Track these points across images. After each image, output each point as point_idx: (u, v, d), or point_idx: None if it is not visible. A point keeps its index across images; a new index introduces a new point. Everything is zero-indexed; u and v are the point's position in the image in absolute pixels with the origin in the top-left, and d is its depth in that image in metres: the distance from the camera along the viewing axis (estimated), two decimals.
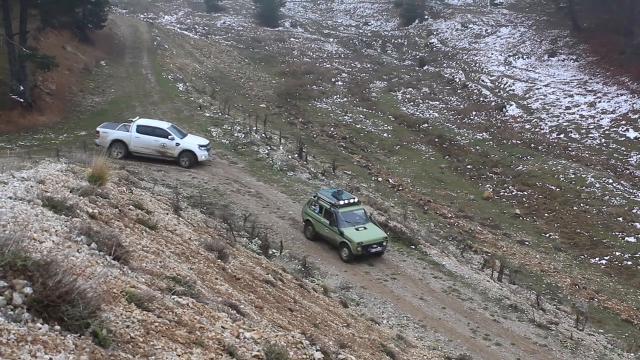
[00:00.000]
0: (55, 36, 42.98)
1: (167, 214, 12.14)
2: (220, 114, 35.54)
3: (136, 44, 52.60)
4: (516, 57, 57.70)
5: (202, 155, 26.08)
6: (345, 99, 50.87)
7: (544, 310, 20.47)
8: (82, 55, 44.04)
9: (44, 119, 32.22)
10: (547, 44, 58.74)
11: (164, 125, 26.75)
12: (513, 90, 51.56)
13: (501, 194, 36.15)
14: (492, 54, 59.35)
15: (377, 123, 46.19)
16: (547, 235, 31.26)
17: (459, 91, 52.83)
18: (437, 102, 51.34)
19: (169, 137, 25.83)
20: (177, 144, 25.84)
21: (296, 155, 31.32)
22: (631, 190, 35.33)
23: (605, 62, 52.14)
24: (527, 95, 50.23)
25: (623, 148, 40.85)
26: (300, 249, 20.51)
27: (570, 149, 41.52)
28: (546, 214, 33.36)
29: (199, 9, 76.00)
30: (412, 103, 51.35)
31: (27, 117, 31.49)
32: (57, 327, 3.46)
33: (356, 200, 21.94)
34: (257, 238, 18.56)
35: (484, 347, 16.56)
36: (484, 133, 45.03)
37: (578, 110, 46.45)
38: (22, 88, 31.59)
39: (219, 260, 9.89)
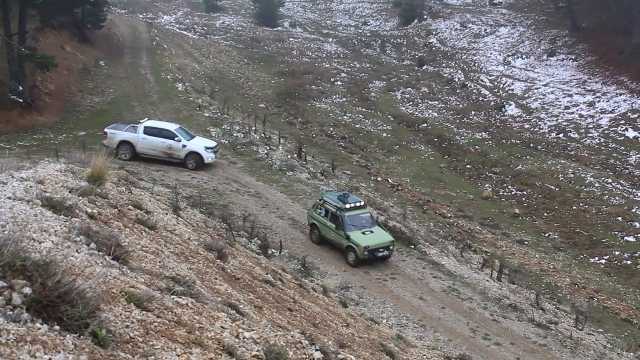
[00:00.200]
0: (54, 36, 42.96)
1: (167, 214, 12.13)
2: (219, 113, 35.52)
3: (135, 44, 52.59)
4: (515, 56, 57.72)
5: (208, 157, 25.90)
6: (344, 99, 50.88)
7: (543, 309, 20.47)
8: (81, 55, 44.03)
9: (43, 119, 32.20)
10: (546, 43, 58.77)
11: (171, 126, 26.57)
12: (512, 90, 51.59)
13: (500, 193, 36.16)
14: (491, 53, 59.37)
15: (376, 123, 46.20)
16: (547, 234, 31.27)
17: (458, 91, 52.85)
18: (436, 102, 51.36)
19: (176, 138, 25.67)
20: (184, 146, 25.66)
21: (295, 155, 31.31)
22: (630, 190, 35.34)
23: (604, 61, 52.17)
24: (526, 95, 50.25)
25: (622, 147, 40.87)
26: (299, 248, 20.51)
27: (569, 148, 41.53)
28: (545, 214, 33.37)
29: (198, 9, 76.01)
30: (411, 103, 51.37)
31: (26, 117, 31.48)
32: (57, 327, 3.46)
33: (362, 203, 21.63)
34: (256, 238, 18.56)
35: (484, 347, 16.57)
36: (483, 133, 45.05)
37: (577, 110, 46.48)
38: (21, 88, 31.57)
39: (218, 260, 9.89)
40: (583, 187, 35.48)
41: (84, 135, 29.60)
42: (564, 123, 45.10)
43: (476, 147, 42.58)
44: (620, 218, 32.05)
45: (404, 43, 67.49)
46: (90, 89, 38.93)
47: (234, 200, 23.30)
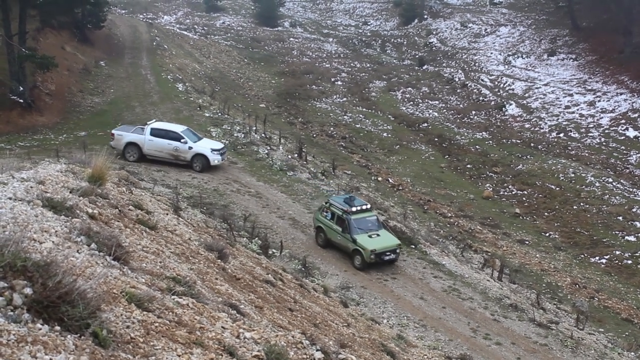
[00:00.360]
0: (55, 37, 42.97)
1: (167, 214, 12.14)
2: (219, 114, 35.53)
3: (135, 44, 52.61)
4: (515, 56, 57.71)
5: (215, 159, 25.67)
6: (344, 99, 50.88)
7: (544, 309, 20.47)
8: (82, 55, 44.04)
9: (43, 120, 32.21)
10: (546, 43, 58.75)
11: (178, 128, 26.41)
12: (512, 89, 51.57)
13: (501, 193, 36.15)
14: (491, 53, 59.36)
15: (377, 123, 46.19)
16: (547, 234, 31.26)
17: (458, 91, 52.84)
18: (437, 102, 51.35)
19: (182, 140, 25.50)
20: (190, 148, 25.49)
21: (296, 155, 31.31)
22: (631, 189, 35.33)
23: (604, 61, 52.16)
24: (526, 95, 50.24)
25: (623, 147, 40.85)
26: (300, 249, 20.50)
27: (570, 148, 41.52)
28: (546, 213, 33.36)
29: (198, 9, 76.02)
30: (411, 102, 51.36)
31: (26, 118, 31.49)
32: (57, 328, 3.46)
33: (369, 206, 21.44)
34: (257, 238, 18.55)
35: (485, 347, 16.56)
36: (483, 132, 45.04)
37: (577, 110, 46.46)
38: (21, 88, 31.58)
39: (219, 261, 9.89)
40: (584, 186, 35.46)
41: (85, 135, 29.60)
42: (564, 123, 45.08)
43: (477, 146, 42.57)
44: (620, 218, 32.04)
45: (405, 43, 67.48)
46: (90, 89, 38.94)
47: (235, 201, 23.30)
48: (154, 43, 52.92)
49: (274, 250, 18.71)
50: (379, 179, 35.36)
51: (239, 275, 9.92)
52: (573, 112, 46.28)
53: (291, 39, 66.75)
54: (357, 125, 45.30)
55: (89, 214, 6.92)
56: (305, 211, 23.64)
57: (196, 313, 5.37)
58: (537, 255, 28.46)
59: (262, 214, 22.59)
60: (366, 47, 66.70)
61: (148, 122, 26.81)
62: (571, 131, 43.83)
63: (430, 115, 48.60)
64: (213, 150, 25.79)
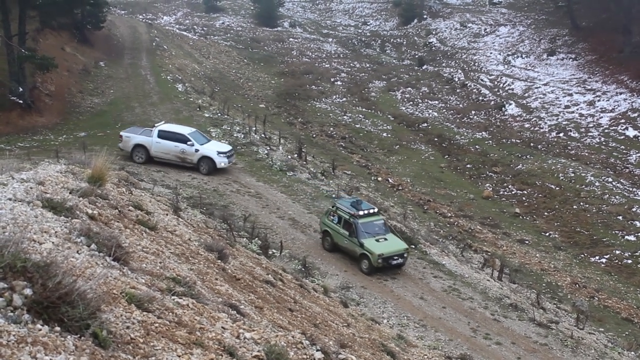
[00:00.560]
0: (54, 37, 42.97)
1: (167, 214, 12.14)
2: (219, 114, 35.53)
3: (135, 44, 52.62)
4: (515, 56, 57.71)
5: (221, 162, 25.49)
6: (344, 99, 50.88)
7: (544, 309, 20.47)
8: (81, 56, 44.04)
9: (43, 120, 32.21)
10: (546, 43, 58.76)
11: (185, 130, 26.28)
12: (512, 89, 51.58)
13: (501, 193, 36.16)
14: (491, 53, 59.36)
15: (377, 123, 46.19)
16: (547, 234, 31.27)
17: (458, 90, 52.84)
18: (437, 102, 51.35)
19: (188, 142, 25.38)
20: (197, 150, 25.39)
21: (295, 155, 31.31)
22: (631, 189, 35.34)
23: (604, 60, 52.16)
24: (526, 94, 50.24)
25: (622, 147, 40.86)
26: (300, 249, 20.50)
27: (569, 147, 41.52)
28: (546, 213, 33.36)
29: (197, 9, 76.02)
30: (411, 102, 51.36)
31: (26, 119, 31.48)
32: (57, 329, 3.46)
33: (376, 210, 21.26)
34: (257, 238, 18.56)
35: (485, 347, 16.57)
36: (483, 132, 45.04)
37: (577, 109, 46.46)
38: (21, 89, 31.58)
39: (219, 261, 9.89)
40: (583, 186, 35.47)
41: (84, 136, 29.60)
42: (564, 122, 45.09)
43: (476, 146, 42.57)
44: (620, 217, 32.04)
45: (404, 43, 67.48)
46: (90, 90, 38.94)
47: (235, 201, 23.31)
48: (154, 43, 52.93)
49: (274, 251, 18.71)
50: (379, 179, 35.36)
51: (239, 276, 9.92)
52: (573, 112, 46.28)
53: (291, 39, 66.75)
54: (357, 126, 45.29)
55: (88, 214, 6.92)
56: (305, 211, 23.65)
57: (196, 313, 5.37)
58: (537, 255, 28.46)
59: (262, 214, 22.59)
60: (366, 47, 66.70)
61: (156, 124, 26.75)
62: (571, 131, 43.84)
63: (430, 115, 48.60)
64: (219, 152, 25.59)
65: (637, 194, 34.85)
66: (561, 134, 43.57)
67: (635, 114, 43.86)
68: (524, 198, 35.27)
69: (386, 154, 40.95)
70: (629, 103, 45.30)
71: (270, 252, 17.90)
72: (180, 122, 30.76)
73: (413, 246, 22.47)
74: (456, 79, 54.73)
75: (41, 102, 33.75)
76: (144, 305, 4.62)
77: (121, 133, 26.27)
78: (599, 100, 46.77)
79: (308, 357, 5.64)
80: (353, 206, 20.64)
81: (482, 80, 54.10)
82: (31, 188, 6.80)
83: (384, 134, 44.37)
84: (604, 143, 41.76)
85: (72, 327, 3.53)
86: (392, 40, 68.57)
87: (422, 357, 13.30)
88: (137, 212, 9.39)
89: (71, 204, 6.64)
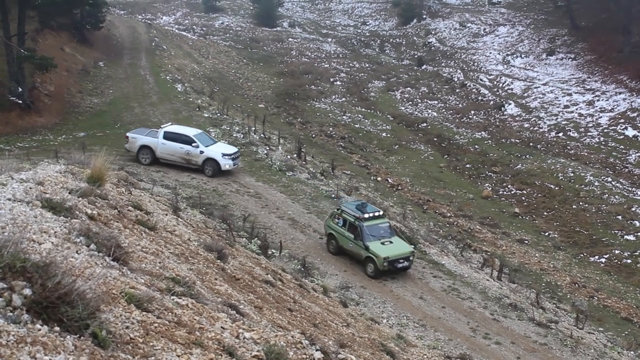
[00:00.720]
0: (54, 37, 42.95)
1: (166, 214, 12.13)
2: (218, 114, 35.53)
3: (134, 44, 52.61)
4: (514, 56, 57.72)
5: (225, 164, 25.37)
6: (343, 99, 50.88)
7: (543, 308, 20.48)
8: (81, 56, 44.03)
9: (42, 120, 32.20)
10: (545, 42, 58.77)
11: (191, 132, 26.16)
12: (511, 89, 51.59)
13: (500, 193, 36.16)
14: (490, 53, 59.38)
15: (376, 123, 46.19)
16: (547, 233, 31.27)
17: (457, 90, 52.85)
18: (436, 102, 51.36)
19: (193, 144, 25.25)
20: (201, 152, 25.26)
21: (295, 155, 31.31)
22: (630, 189, 35.35)
23: (603, 60, 52.17)
24: (525, 94, 50.25)
25: (622, 146, 40.87)
26: (299, 249, 20.50)
27: (569, 147, 41.53)
28: (545, 213, 33.37)
29: (197, 9, 76.01)
30: (410, 102, 51.37)
31: (25, 119, 31.47)
32: (57, 329, 3.46)
33: (381, 213, 21.13)
34: (256, 238, 18.56)
35: (484, 346, 16.58)
36: (482, 132, 45.05)
37: (577, 109, 46.47)
38: (20, 89, 31.57)
39: (219, 261, 9.89)
40: (583, 186, 35.48)
41: (84, 136, 29.59)
42: (563, 122, 45.10)
43: (476, 146, 42.58)
44: (620, 217, 32.05)
45: (403, 43, 67.49)
46: (89, 90, 38.93)
47: (234, 201, 23.31)
48: (153, 44, 52.92)
49: (274, 251, 18.72)
50: (378, 179, 35.36)
51: (238, 276, 9.92)
52: (572, 112, 46.30)
53: (290, 39, 66.75)
54: (356, 125, 45.29)
55: (88, 214, 6.92)
56: (304, 211, 23.65)
57: (195, 313, 5.37)
58: (537, 255, 28.47)
59: (262, 214, 22.59)
60: (365, 47, 66.69)
61: (162, 125, 26.68)
62: (570, 130, 43.85)
63: (429, 115, 48.60)
64: (224, 155, 25.46)
65: (637, 193, 34.86)
66: (560, 134, 43.58)
67: (635, 114, 43.87)
68: (523, 198, 35.28)
69: (385, 154, 40.95)
70: (628, 103, 45.32)
71: (269, 252, 17.90)
72: (179, 122, 30.76)
73: (412, 246, 22.47)
74: (455, 79, 54.73)
75: (40, 102, 33.73)
76: (144, 305, 4.62)
77: (127, 134, 26.19)
78: (598, 100, 46.79)
79: (307, 356, 5.65)
80: (358, 209, 20.50)
81: (481, 80, 54.11)
82: (30, 188, 6.79)
83: (384, 134, 44.37)
84: (603, 143, 41.77)
85: (71, 327, 3.53)
86: (391, 40, 68.58)
87: (421, 357, 13.30)
88: (137, 212, 9.39)
89: (70, 204, 6.64)
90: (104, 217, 7.36)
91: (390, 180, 35.53)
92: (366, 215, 20.22)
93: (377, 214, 20.70)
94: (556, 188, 35.53)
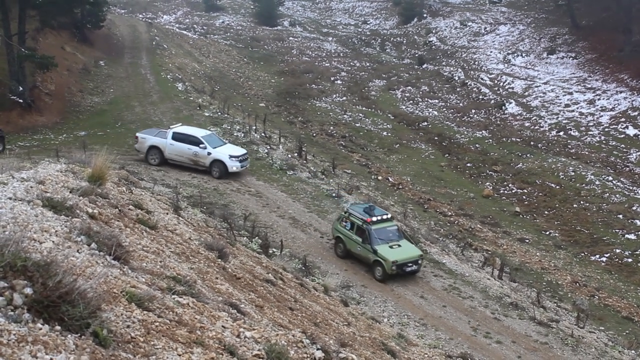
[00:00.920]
0: (54, 37, 42.95)
1: (167, 213, 12.13)
2: (219, 113, 35.52)
3: (135, 43, 52.60)
4: (515, 55, 57.67)
5: (233, 166, 25.17)
6: (344, 98, 50.86)
7: (544, 308, 20.47)
8: (81, 55, 44.03)
9: (43, 120, 32.21)
10: (546, 41, 58.72)
11: (199, 132, 26.01)
12: (512, 88, 51.55)
13: (501, 192, 36.15)
14: (491, 52, 59.33)
15: (377, 122, 46.18)
16: (547, 232, 31.26)
17: (458, 89, 52.82)
18: (437, 101, 51.33)
19: (201, 145, 25.09)
20: (209, 154, 25.11)
21: (296, 154, 31.31)
22: (631, 188, 35.32)
23: (604, 59, 52.12)
24: (526, 93, 50.22)
25: (622, 145, 40.84)
26: (300, 248, 20.50)
27: (569, 146, 41.51)
28: (546, 212, 33.35)
29: (197, 8, 76.01)
30: (411, 101, 51.34)
31: (26, 118, 31.48)
32: (58, 328, 3.46)
33: (389, 216, 20.89)
34: (257, 237, 18.55)
35: (485, 345, 16.57)
36: (483, 131, 45.02)
37: (577, 108, 46.44)
38: (21, 89, 31.58)
39: (219, 260, 9.89)
40: (584, 185, 35.46)
41: (84, 135, 29.60)
42: (564, 121, 45.07)
43: (476, 145, 42.56)
44: (621, 216, 32.04)
45: (404, 42, 67.46)
46: (90, 89, 38.93)
47: (235, 200, 23.30)
48: (154, 43, 52.90)
49: (274, 250, 18.72)
50: (379, 178, 35.35)
51: (239, 275, 9.92)
52: (573, 111, 46.26)
53: (291, 38, 66.72)
54: (357, 124, 45.28)
55: (89, 213, 6.92)
56: (305, 210, 23.65)
57: (196, 312, 5.37)
58: (538, 254, 28.46)
59: (262, 213, 22.59)
60: (366, 46, 66.66)
61: (172, 125, 26.60)
62: (571, 129, 43.82)
63: (430, 114, 48.57)
64: (231, 156, 25.30)
65: (638, 192, 34.84)
66: (561, 133, 43.56)
67: (636, 113, 43.83)
68: (524, 197, 35.27)
69: (386, 153, 40.94)
70: (629, 102, 45.28)
71: (270, 251, 17.90)
72: (180, 121, 30.76)
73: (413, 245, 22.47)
74: (456, 78, 54.70)
75: (41, 102, 33.74)
76: (145, 304, 4.61)
77: (137, 134, 26.09)
78: (599, 99, 46.75)
79: (308, 355, 5.64)
80: (366, 212, 20.29)
81: (482, 79, 54.07)
82: (31, 187, 6.79)
83: (384, 133, 44.36)
84: (604, 142, 41.75)
85: (72, 326, 3.53)
86: (392, 39, 68.55)
87: (422, 356, 13.30)
88: (138, 211, 9.39)
89: (71, 203, 6.63)
90: (104, 216, 7.36)
91: (391, 179, 35.52)
92: (374, 219, 19.99)
93: (385, 217, 20.45)
94: (557, 187, 35.52)
